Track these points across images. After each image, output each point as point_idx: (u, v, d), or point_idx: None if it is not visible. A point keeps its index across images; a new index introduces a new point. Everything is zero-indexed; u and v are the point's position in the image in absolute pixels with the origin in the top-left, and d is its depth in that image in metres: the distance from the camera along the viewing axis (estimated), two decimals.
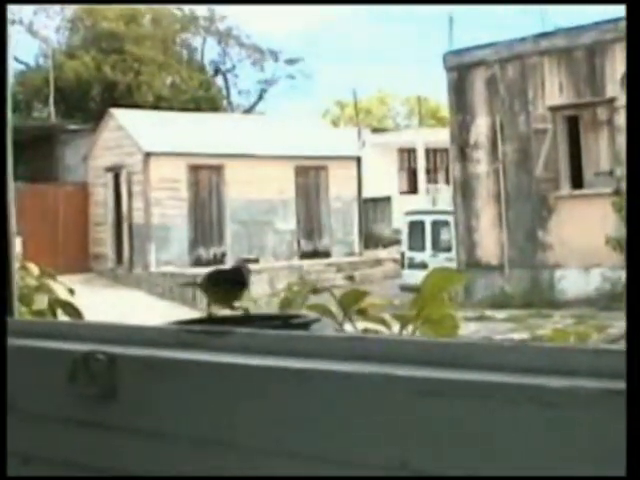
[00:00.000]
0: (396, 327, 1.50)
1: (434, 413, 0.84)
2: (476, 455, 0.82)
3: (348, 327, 1.51)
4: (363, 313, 1.59)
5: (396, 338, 1.15)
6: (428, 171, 31.19)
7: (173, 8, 32.46)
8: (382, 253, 24.18)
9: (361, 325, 1.51)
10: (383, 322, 1.59)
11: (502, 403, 0.81)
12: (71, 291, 1.95)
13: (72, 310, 1.81)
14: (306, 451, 0.94)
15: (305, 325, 1.34)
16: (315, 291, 1.64)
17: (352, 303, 1.58)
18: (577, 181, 16.30)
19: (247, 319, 1.40)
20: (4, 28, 1.33)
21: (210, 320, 1.42)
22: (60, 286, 1.91)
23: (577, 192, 16.18)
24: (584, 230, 15.29)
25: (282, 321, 1.38)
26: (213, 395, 1.05)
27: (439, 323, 1.57)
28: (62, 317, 1.80)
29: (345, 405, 0.91)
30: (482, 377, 0.84)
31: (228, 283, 1.41)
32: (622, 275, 13.99)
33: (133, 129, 21.40)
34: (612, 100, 15.37)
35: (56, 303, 1.83)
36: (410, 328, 1.50)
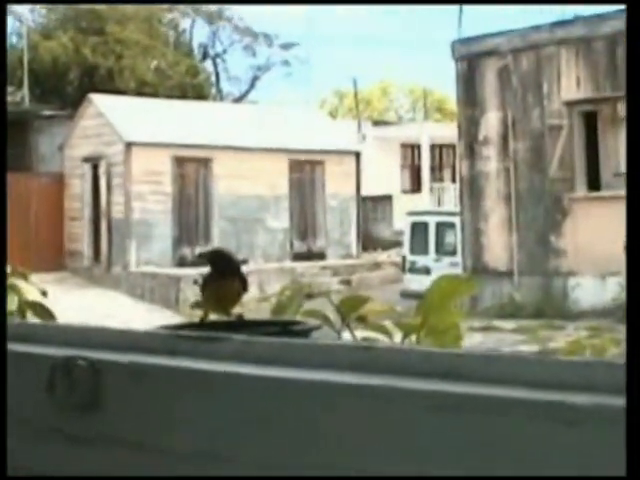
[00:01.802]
0: (398, 336, 1.51)
1: (447, 429, 0.84)
2: (491, 473, 0.82)
3: (345, 335, 1.51)
4: (363, 320, 1.60)
5: (405, 348, 1.15)
6: (433, 168, 31.26)
7: None
8: (381, 256, 24.21)
9: (360, 334, 1.52)
10: (384, 330, 1.59)
11: (520, 420, 0.81)
12: (44, 293, 1.95)
13: (44, 312, 1.81)
14: (307, 467, 0.94)
15: (305, 332, 1.35)
16: (310, 296, 1.64)
17: (351, 309, 1.59)
18: (594, 182, 16.33)
19: (242, 325, 1.41)
20: (4, 28, 1.34)
21: (201, 325, 1.43)
22: (32, 287, 1.91)
23: (594, 194, 16.21)
24: (601, 235, 15.31)
25: (280, 328, 1.39)
26: (205, 406, 1.05)
27: (443, 333, 1.58)
28: (32, 319, 1.80)
29: (351, 419, 0.91)
30: (498, 392, 0.84)
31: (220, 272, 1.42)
32: None
33: (114, 117, 21.40)
34: None
35: (26, 305, 1.84)
36: (413, 338, 1.51)
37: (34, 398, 1.18)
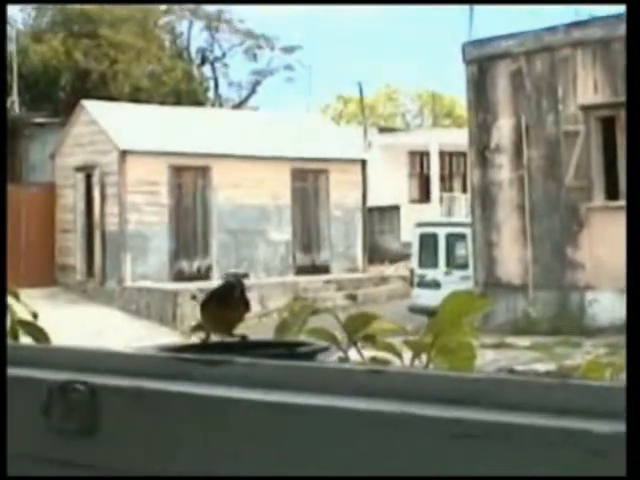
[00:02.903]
0: (407, 355, 1.51)
1: (468, 459, 0.84)
2: None
3: (352, 354, 1.51)
4: (371, 339, 1.60)
5: (419, 372, 1.15)
6: (442, 177, 31.29)
7: None
8: (388, 270, 24.22)
9: (367, 353, 1.52)
10: (393, 350, 1.59)
11: (543, 449, 0.81)
12: (35, 316, 1.95)
13: (38, 332, 1.81)
14: None
15: (312, 354, 1.35)
16: (314, 312, 1.65)
17: (359, 328, 1.59)
18: (612, 191, 16.32)
19: (245, 346, 1.41)
20: (4, 28, 1.34)
21: (203, 346, 1.43)
22: (24, 307, 1.91)
23: (612, 204, 16.19)
24: (620, 247, 15.29)
25: (286, 349, 1.39)
26: (207, 433, 1.05)
27: (455, 353, 1.58)
28: (25, 341, 1.81)
29: (363, 449, 0.91)
30: (520, 419, 0.84)
31: (223, 300, 1.43)
32: None
33: (107, 124, 21.45)
34: None
35: (19, 324, 1.84)
36: (423, 357, 1.51)
37: (30, 423, 1.18)
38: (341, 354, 1.51)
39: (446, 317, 1.52)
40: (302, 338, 1.52)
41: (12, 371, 1.23)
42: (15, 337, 1.80)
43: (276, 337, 1.56)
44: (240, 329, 1.46)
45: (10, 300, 1.87)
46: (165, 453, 1.10)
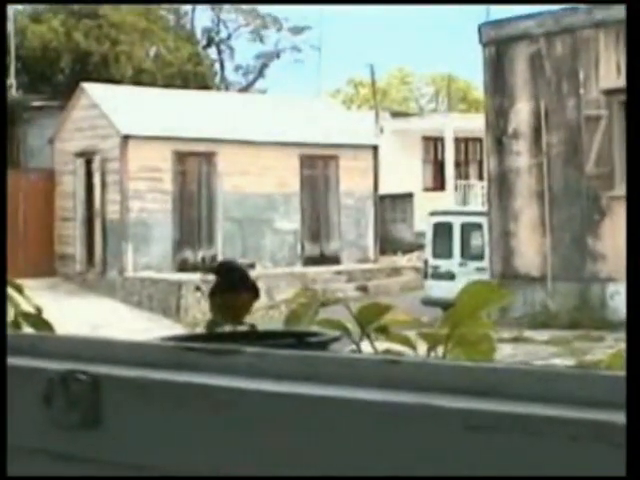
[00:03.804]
0: (422, 348, 1.52)
1: (486, 451, 0.84)
2: None
3: (364, 346, 1.52)
4: (384, 331, 1.60)
5: (435, 362, 1.15)
6: (458, 164, 31.26)
7: None
8: (401, 260, 24.21)
9: (380, 345, 1.52)
10: (408, 342, 1.60)
11: (565, 441, 0.81)
12: (38, 310, 1.96)
13: (42, 324, 1.82)
14: None
15: (323, 344, 1.35)
16: (323, 304, 1.65)
17: (372, 319, 1.59)
18: None
19: (254, 336, 1.41)
20: (4, 28, 1.34)
21: (211, 336, 1.44)
22: (26, 299, 1.92)
23: None
24: None
25: (296, 339, 1.39)
26: (216, 425, 1.06)
27: (474, 345, 1.58)
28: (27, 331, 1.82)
29: (377, 441, 0.91)
30: (541, 410, 0.84)
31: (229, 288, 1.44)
32: None
33: (109, 107, 21.47)
34: None
35: (22, 316, 1.85)
36: (439, 350, 1.51)
37: (29, 415, 1.19)
38: (353, 346, 1.51)
39: (464, 308, 1.53)
40: (313, 329, 1.52)
41: (12, 360, 1.23)
42: (18, 329, 1.81)
43: (286, 327, 1.56)
44: (252, 322, 1.46)
45: (12, 292, 1.88)
46: (171, 446, 1.10)
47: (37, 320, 1.81)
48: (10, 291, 1.85)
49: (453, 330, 1.54)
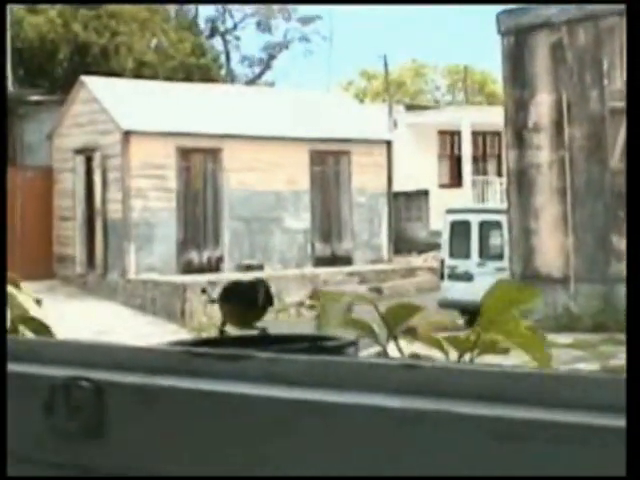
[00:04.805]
0: (453, 354, 1.51)
1: (514, 460, 0.84)
2: None
3: (391, 350, 1.51)
4: (412, 333, 1.60)
5: (456, 366, 1.15)
6: (475, 159, 31.25)
7: None
8: (416, 260, 24.22)
9: (407, 348, 1.51)
10: (440, 346, 1.58)
11: (597, 450, 0.81)
12: (38, 302, 1.97)
13: (40, 327, 1.82)
14: None
15: (339, 349, 1.35)
16: (352, 302, 1.65)
17: (400, 320, 1.58)
18: None
19: (266, 340, 1.41)
20: (4, 28, 1.34)
21: (221, 341, 1.44)
22: (26, 297, 1.93)
23: None
24: None
25: (310, 343, 1.39)
26: (226, 433, 1.05)
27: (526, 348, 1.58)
28: (26, 334, 1.82)
29: (395, 448, 0.91)
30: (572, 418, 0.84)
31: (246, 300, 1.44)
32: None
33: (109, 102, 21.51)
34: None
35: (20, 319, 1.85)
36: (468, 356, 1.51)
37: (30, 423, 1.19)
38: (378, 349, 1.51)
39: (491, 311, 1.52)
40: (340, 330, 1.52)
41: (11, 366, 1.23)
42: (15, 332, 1.82)
43: (317, 327, 1.56)
44: (264, 326, 1.47)
45: (12, 290, 1.88)
46: (178, 455, 1.10)
47: (35, 322, 1.81)
48: (9, 289, 1.85)
49: (478, 336, 1.54)
